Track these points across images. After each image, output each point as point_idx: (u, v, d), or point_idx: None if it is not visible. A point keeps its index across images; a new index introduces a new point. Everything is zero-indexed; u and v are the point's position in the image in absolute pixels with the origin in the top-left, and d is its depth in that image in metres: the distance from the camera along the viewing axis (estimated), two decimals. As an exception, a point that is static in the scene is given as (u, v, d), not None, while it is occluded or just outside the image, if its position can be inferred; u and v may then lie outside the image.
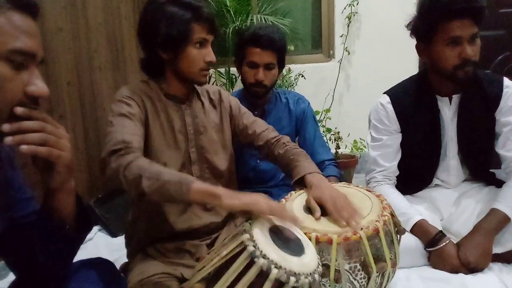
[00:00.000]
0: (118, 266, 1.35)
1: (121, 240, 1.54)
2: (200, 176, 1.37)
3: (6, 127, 0.70)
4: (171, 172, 1.03)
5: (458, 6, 1.44)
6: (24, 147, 0.71)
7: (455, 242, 1.51)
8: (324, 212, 1.15)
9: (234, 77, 3.17)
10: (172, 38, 1.24)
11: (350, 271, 1.04)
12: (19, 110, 0.72)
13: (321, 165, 1.80)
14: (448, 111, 1.64)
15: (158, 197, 1.02)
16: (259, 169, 1.91)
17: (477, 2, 1.45)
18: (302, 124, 1.95)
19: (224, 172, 1.43)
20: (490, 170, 1.74)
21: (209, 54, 1.30)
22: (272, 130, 1.50)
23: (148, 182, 1.00)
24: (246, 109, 1.53)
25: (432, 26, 1.51)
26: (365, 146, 2.93)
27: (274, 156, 1.44)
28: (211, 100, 1.46)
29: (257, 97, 1.85)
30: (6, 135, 0.71)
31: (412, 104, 1.67)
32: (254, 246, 0.85)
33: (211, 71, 3.15)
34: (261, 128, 1.48)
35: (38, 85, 0.75)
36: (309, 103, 2.02)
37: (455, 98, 1.63)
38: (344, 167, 2.82)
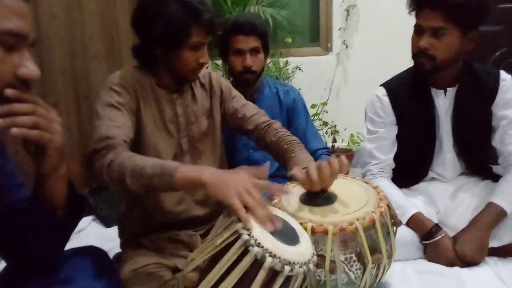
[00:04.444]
0: (111, 256, 1.34)
1: (114, 230, 1.53)
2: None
3: None
4: (153, 163, 1.00)
5: None
6: (14, 130, 0.70)
7: (451, 236, 1.51)
8: (320, 203, 1.14)
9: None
10: (167, 38, 1.21)
11: (346, 262, 1.03)
12: (9, 92, 0.70)
13: (314, 154, 1.79)
14: (442, 103, 1.63)
15: (145, 191, 1.03)
16: (252, 160, 1.90)
17: None
18: (293, 114, 1.95)
19: (216, 159, 1.42)
20: (487, 164, 1.74)
21: (203, 56, 1.28)
22: (263, 114, 1.47)
23: (131, 179, 1.00)
24: (237, 92, 1.50)
25: (415, 11, 1.54)
26: (361, 140, 2.93)
27: (265, 142, 1.41)
28: (202, 84, 1.43)
29: (248, 85, 1.84)
30: None
31: (407, 96, 1.66)
32: (249, 235, 0.84)
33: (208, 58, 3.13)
34: (251, 112, 1.45)
35: (29, 67, 0.73)
36: (299, 92, 2.01)
37: (450, 90, 1.62)
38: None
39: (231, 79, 1.93)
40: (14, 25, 0.71)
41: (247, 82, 1.82)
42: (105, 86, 1.24)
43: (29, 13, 0.75)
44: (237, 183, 0.91)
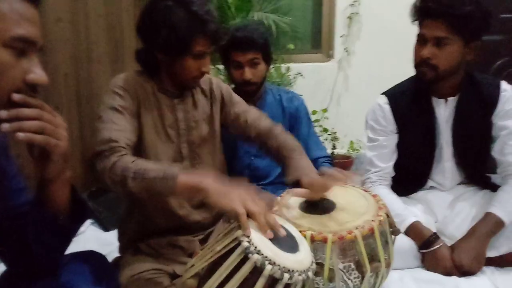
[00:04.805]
0: (110, 260, 1.34)
1: (113, 234, 1.53)
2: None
3: (3, 113, 0.70)
4: (156, 167, 1.02)
5: (428, 5, 1.47)
6: (21, 135, 0.71)
7: (449, 245, 1.51)
8: (319, 211, 1.14)
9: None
10: (171, 45, 1.21)
11: (344, 270, 1.03)
12: (16, 97, 0.71)
13: (315, 162, 1.79)
14: (443, 113, 1.64)
15: (146, 195, 1.03)
16: (253, 167, 1.90)
17: (451, 7, 1.42)
18: (296, 122, 1.94)
19: (215, 165, 1.43)
20: (486, 174, 1.75)
21: (205, 65, 1.29)
22: (264, 118, 1.45)
23: (133, 182, 1.00)
24: (239, 98, 1.50)
25: (418, 21, 1.55)
26: (361, 147, 2.93)
27: (267, 149, 1.41)
28: (202, 90, 1.43)
29: (249, 96, 1.84)
30: (2, 121, 0.70)
31: (408, 105, 1.67)
32: (249, 242, 0.84)
33: (210, 67, 3.14)
34: (252, 117, 1.44)
35: (38, 73, 0.74)
36: (302, 100, 2.01)
37: (451, 100, 1.62)
38: (339, 168, 2.82)
39: (233, 86, 1.93)
40: (26, 31, 0.72)
41: (247, 94, 1.82)
42: (108, 89, 1.25)
43: (39, 19, 0.76)
44: (239, 192, 0.93)
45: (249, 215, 0.90)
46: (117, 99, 1.22)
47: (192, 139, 1.36)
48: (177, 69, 1.27)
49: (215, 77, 1.50)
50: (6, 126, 0.70)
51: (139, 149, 1.27)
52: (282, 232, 0.91)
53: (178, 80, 1.31)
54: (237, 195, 0.92)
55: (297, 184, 1.23)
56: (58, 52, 2.11)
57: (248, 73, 1.78)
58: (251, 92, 1.83)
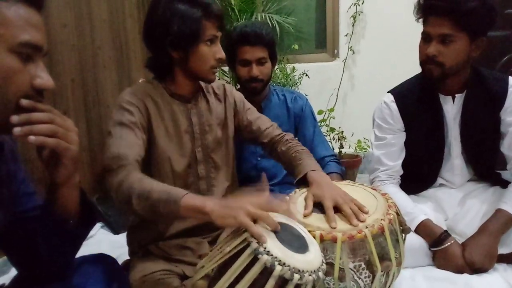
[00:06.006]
0: (120, 263, 1.35)
1: (123, 237, 1.53)
2: (205, 175, 1.37)
3: (14, 118, 0.71)
4: (161, 188, 1.01)
5: (432, 2, 1.46)
6: (32, 138, 0.71)
7: (459, 242, 1.50)
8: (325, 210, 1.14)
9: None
10: (184, 36, 1.22)
11: (355, 270, 1.02)
12: (24, 102, 0.72)
13: (321, 162, 1.80)
14: (451, 110, 1.63)
15: (150, 216, 1.03)
16: (260, 167, 1.90)
17: (455, 3, 1.41)
18: (301, 122, 1.95)
19: (229, 169, 1.44)
20: (496, 171, 1.73)
21: (219, 51, 1.30)
22: (276, 127, 1.50)
23: (138, 202, 1.01)
24: (250, 105, 1.53)
25: (422, 18, 1.54)
26: (369, 146, 2.92)
27: (277, 153, 1.44)
28: (216, 95, 1.45)
29: (255, 93, 1.84)
30: (13, 126, 0.71)
31: (415, 102, 1.66)
32: (258, 243, 0.84)
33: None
34: (265, 125, 1.48)
35: (44, 78, 0.75)
36: (307, 99, 2.01)
37: (458, 97, 1.61)
38: (347, 167, 2.81)
39: (238, 86, 1.94)
40: (31, 36, 0.73)
41: (254, 91, 1.83)
42: (116, 104, 1.26)
43: (43, 24, 0.77)
44: (240, 205, 0.91)
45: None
46: (125, 115, 1.22)
47: (206, 143, 1.37)
48: (194, 62, 1.27)
49: (228, 84, 1.52)
50: (17, 130, 0.71)
51: (152, 159, 1.27)
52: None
53: (196, 74, 1.30)
54: (239, 209, 0.89)
55: (304, 182, 1.25)
56: (64, 58, 2.13)
57: (256, 70, 1.79)
58: (258, 89, 1.84)
